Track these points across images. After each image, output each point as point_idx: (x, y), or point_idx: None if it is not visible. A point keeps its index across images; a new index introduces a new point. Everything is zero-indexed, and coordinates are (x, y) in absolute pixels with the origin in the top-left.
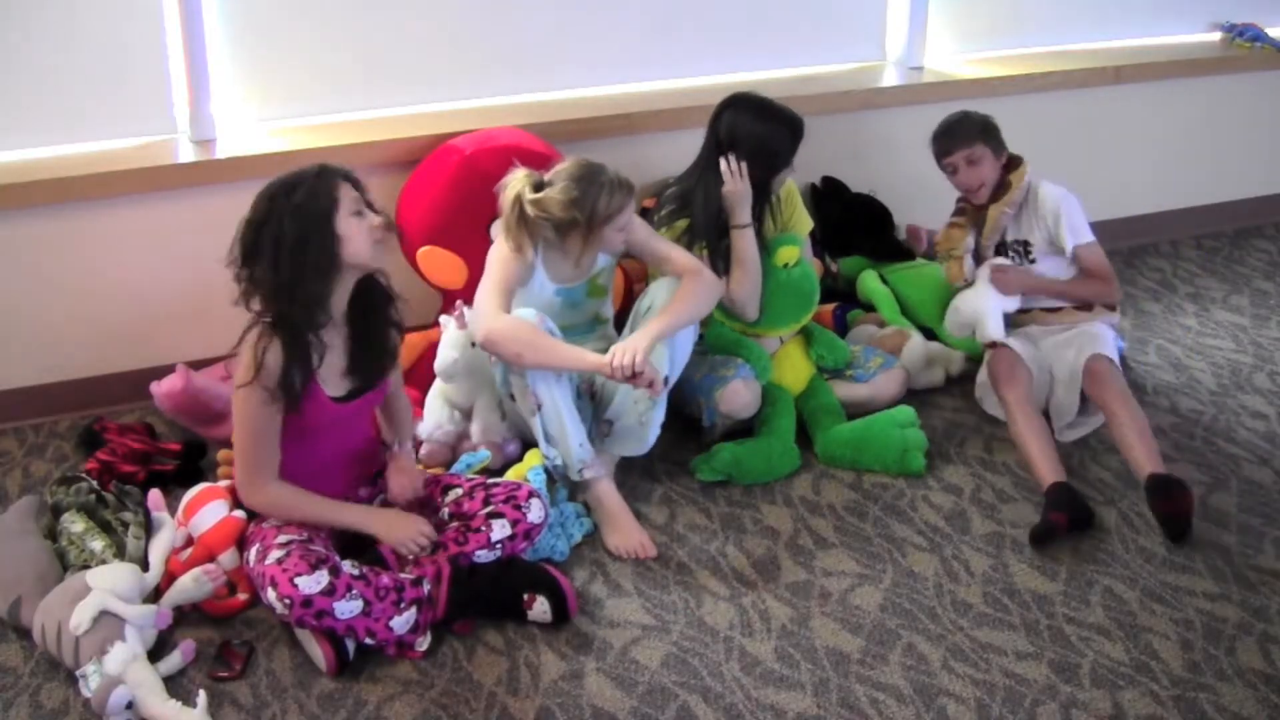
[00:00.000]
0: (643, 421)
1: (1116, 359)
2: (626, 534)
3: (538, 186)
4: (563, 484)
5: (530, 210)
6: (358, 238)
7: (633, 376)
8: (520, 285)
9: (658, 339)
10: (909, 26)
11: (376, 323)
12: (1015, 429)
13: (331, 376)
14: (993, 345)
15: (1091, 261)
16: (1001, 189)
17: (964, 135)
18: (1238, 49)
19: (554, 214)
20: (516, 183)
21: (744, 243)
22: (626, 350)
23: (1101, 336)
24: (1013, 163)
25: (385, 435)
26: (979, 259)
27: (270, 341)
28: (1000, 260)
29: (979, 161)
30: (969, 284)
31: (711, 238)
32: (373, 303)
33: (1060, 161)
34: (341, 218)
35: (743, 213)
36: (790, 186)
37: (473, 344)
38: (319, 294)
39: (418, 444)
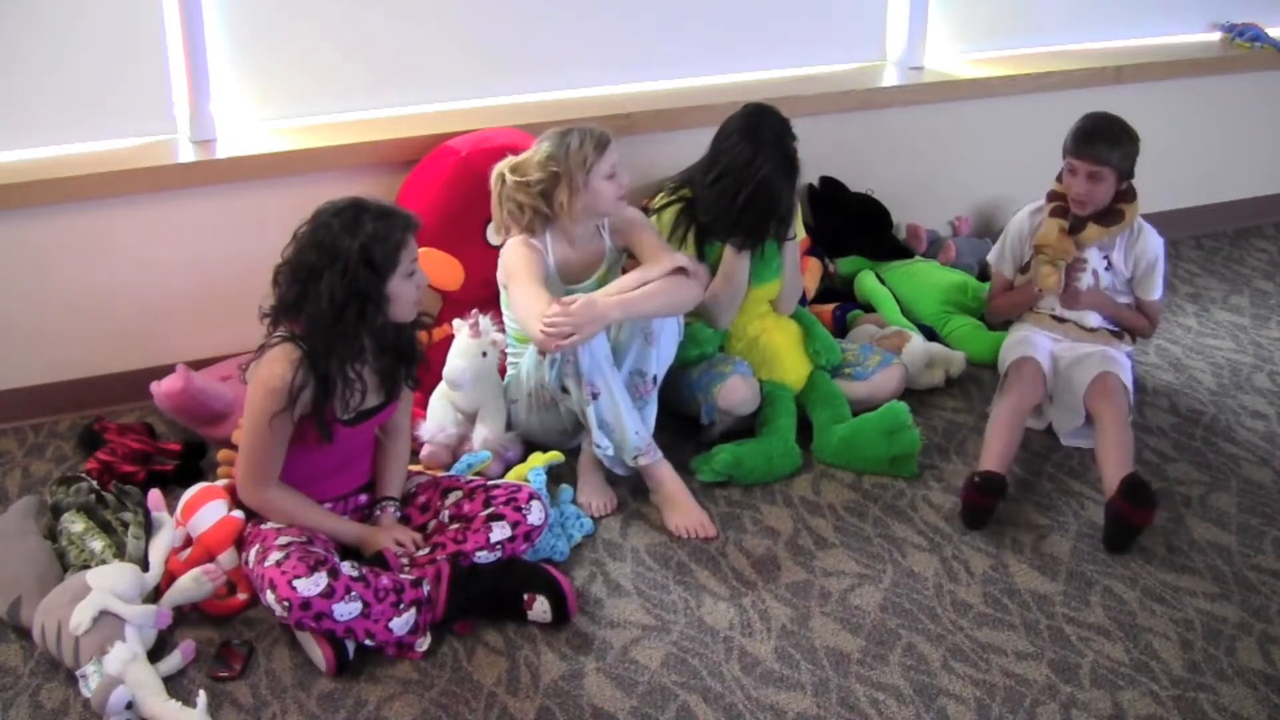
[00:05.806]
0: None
1: (1131, 387)
2: (687, 513)
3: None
4: (616, 470)
5: (509, 177)
6: (405, 300)
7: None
8: (542, 275)
9: (619, 319)
10: (909, 26)
11: (404, 339)
12: (994, 422)
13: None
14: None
15: (1152, 308)
16: (1108, 214)
17: (1103, 153)
18: (1238, 49)
19: (532, 174)
20: (498, 165)
21: (737, 265)
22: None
23: (1122, 362)
24: (1128, 193)
25: (376, 479)
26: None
27: (307, 381)
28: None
29: (1101, 180)
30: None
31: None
32: (401, 328)
33: (1061, 162)
34: (396, 279)
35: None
36: None
37: (483, 354)
38: (355, 339)
39: (418, 446)
